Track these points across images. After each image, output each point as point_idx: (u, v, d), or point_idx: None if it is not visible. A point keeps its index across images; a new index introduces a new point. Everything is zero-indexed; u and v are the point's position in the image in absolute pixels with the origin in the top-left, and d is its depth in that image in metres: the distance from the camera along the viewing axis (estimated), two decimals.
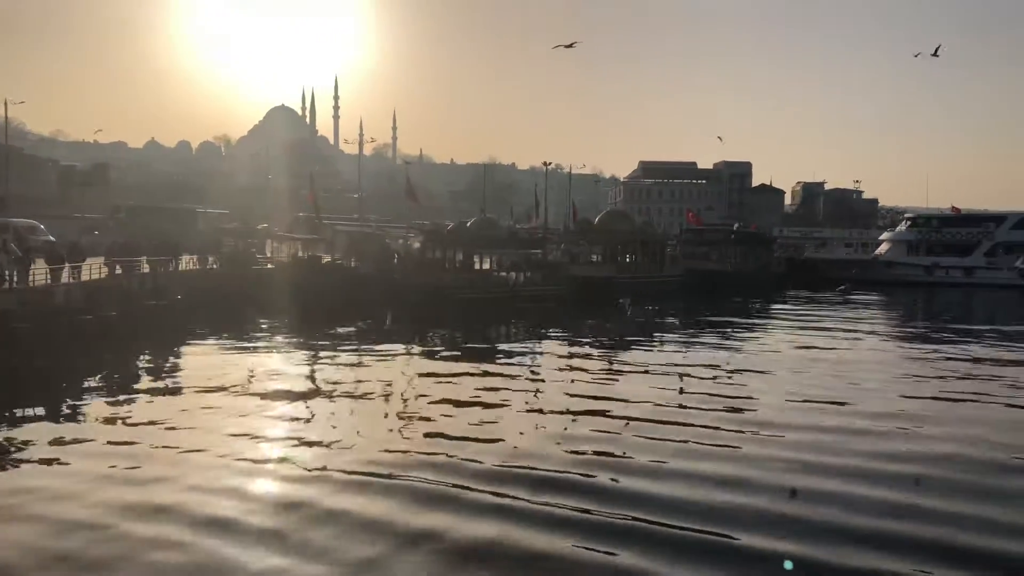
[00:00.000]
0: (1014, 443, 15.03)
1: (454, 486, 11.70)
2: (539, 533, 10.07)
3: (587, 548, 9.63)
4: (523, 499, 11.18)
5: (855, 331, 34.41)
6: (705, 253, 61.65)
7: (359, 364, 23.10)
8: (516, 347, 29.20)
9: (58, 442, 14.14)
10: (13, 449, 13.73)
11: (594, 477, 12.33)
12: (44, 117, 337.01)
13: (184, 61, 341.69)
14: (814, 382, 21.22)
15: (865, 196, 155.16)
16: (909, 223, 73.32)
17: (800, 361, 25.27)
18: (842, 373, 22.77)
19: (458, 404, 17.59)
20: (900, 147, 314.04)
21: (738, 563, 9.52)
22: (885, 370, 23.95)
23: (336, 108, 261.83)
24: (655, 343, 30.55)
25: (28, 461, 13.16)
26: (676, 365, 23.97)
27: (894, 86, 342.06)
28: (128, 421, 15.86)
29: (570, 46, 33.13)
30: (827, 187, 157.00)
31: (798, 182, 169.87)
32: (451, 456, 13.26)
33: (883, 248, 73.67)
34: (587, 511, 10.82)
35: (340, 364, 22.91)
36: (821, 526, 10.51)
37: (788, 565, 9.83)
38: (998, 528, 10.59)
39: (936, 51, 46.03)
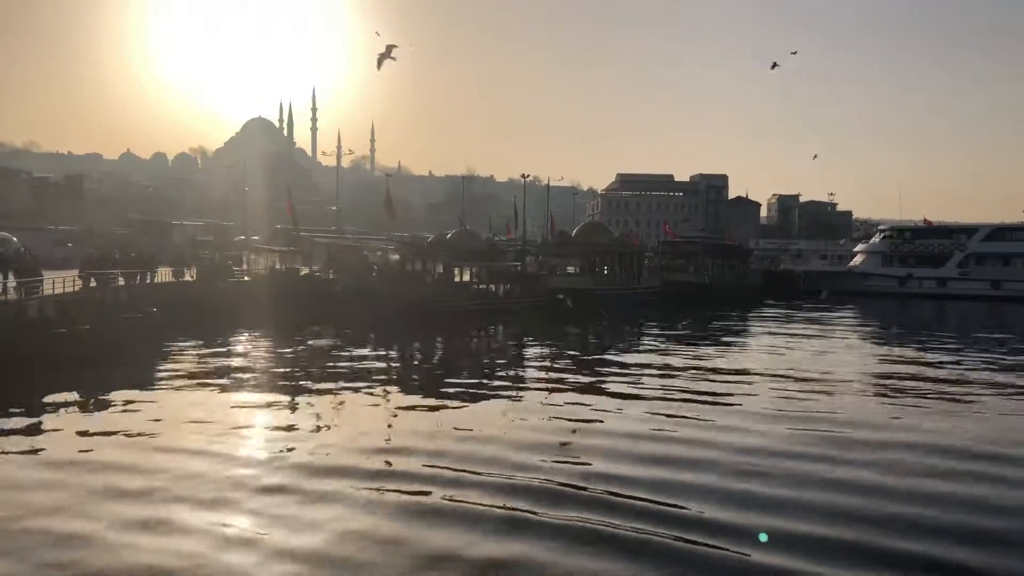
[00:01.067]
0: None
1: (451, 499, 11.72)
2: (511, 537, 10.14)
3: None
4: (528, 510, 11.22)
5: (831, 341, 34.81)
6: (682, 265, 62.08)
7: (336, 377, 22.89)
8: (496, 359, 29.11)
9: (33, 453, 13.96)
10: None
11: (586, 489, 12.29)
12: (17, 128, 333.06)
13: (160, 72, 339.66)
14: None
15: (839, 208, 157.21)
16: (883, 235, 74.32)
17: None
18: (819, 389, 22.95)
19: (430, 413, 17.51)
20: (873, 160, 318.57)
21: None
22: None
23: (314, 120, 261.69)
24: (633, 355, 30.62)
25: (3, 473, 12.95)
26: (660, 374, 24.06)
27: (867, 99, 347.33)
28: (102, 433, 15.58)
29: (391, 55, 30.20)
30: (802, 199, 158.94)
31: (773, 195, 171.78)
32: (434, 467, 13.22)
33: (858, 260, 74.61)
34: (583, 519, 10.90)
35: (315, 378, 22.69)
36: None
37: (763, 537, 10.11)
38: None
39: (773, 66, 44.96)
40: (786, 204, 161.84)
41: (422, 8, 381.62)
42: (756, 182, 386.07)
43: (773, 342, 34.06)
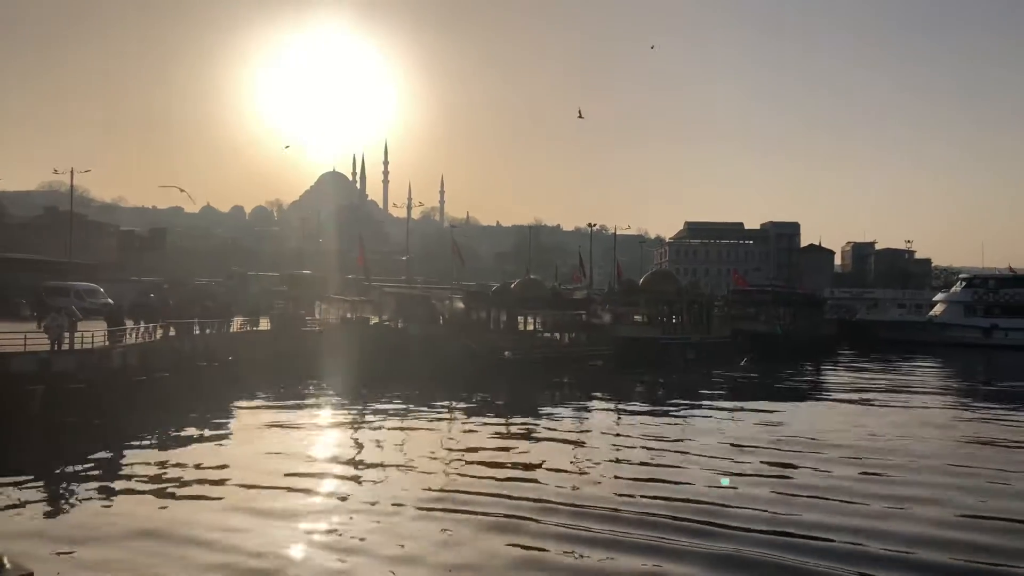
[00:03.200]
0: None
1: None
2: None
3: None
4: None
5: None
6: (753, 314, 60.86)
7: (403, 425, 23.11)
8: (560, 410, 28.93)
9: (110, 492, 14.51)
10: (71, 502, 14.07)
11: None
12: (107, 184, 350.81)
13: (238, 127, 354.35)
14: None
15: (918, 256, 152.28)
16: (965, 283, 71.64)
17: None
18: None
19: (499, 465, 17.48)
20: (953, 206, 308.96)
21: None
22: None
23: (385, 173, 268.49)
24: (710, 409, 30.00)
25: (86, 514, 13.44)
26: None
27: (944, 143, 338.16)
28: (179, 479, 16.04)
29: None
30: (878, 247, 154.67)
31: (848, 242, 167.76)
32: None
33: (938, 309, 71.95)
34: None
35: (384, 424, 23.01)
36: None
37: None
38: None
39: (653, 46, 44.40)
40: (861, 252, 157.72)
41: (487, 66, 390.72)
42: (829, 229, 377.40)
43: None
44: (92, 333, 24.18)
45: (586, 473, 17.68)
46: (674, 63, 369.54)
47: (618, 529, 13.01)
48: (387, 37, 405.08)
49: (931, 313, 72.75)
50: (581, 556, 11.91)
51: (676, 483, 16.14)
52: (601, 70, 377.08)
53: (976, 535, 13.17)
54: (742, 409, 28.12)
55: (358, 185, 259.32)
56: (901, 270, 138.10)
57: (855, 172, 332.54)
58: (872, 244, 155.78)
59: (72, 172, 65.27)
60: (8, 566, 2.20)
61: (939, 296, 75.85)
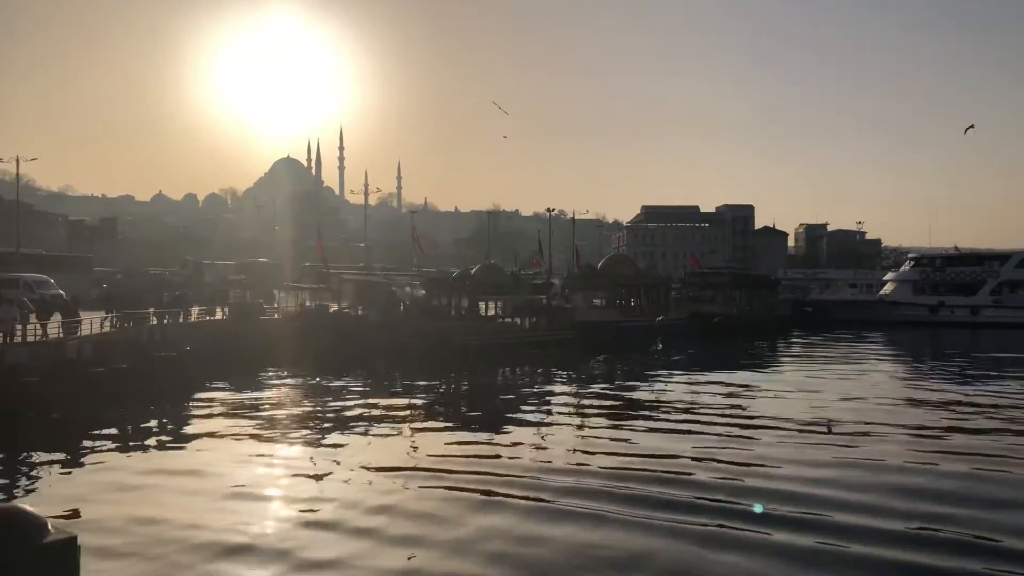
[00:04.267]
0: None
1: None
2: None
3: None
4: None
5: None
6: (710, 296, 61.82)
7: (365, 413, 23.15)
8: (524, 392, 29.19)
9: (75, 490, 14.35)
10: (32, 498, 13.87)
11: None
12: (54, 172, 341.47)
13: (190, 115, 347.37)
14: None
15: (868, 237, 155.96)
16: (913, 263, 73.54)
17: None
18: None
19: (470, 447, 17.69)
20: (902, 188, 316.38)
21: None
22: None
23: (341, 159, 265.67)
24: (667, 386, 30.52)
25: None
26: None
27: (894, 126, 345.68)
28: (141, 469, 15.94)
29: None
30: (830, 229, 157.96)
31: (801, 224, 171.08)
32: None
33: (888, 288, 73.79)
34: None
35: (346, 413, 23.00)
36: None
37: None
38: None
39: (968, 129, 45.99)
40: (814, 233, 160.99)
41: (446, 47, 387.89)
42: (783, 212, 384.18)
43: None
44: (45, 325, 23.77)
45: (546, 449, 18.03)
46: (631, 51, 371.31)
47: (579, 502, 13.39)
48: (340, 21, 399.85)
49: (881, 292, 74.59)
50: (540, 526, 12.31)
51: (639, 455, 16.51)
52: (557, 56, 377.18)
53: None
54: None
55: (313, 171, 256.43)
56: (853, 251, 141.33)
57: (808, 156, 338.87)
58: (824, 226, 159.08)
59: (17, 160, 63.55)
60: (52, 530, 2.30)
61: (889, 276, 77.78)
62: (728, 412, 23.45)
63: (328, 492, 14.33)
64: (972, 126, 58.80)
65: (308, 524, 12.43)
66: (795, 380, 31.72)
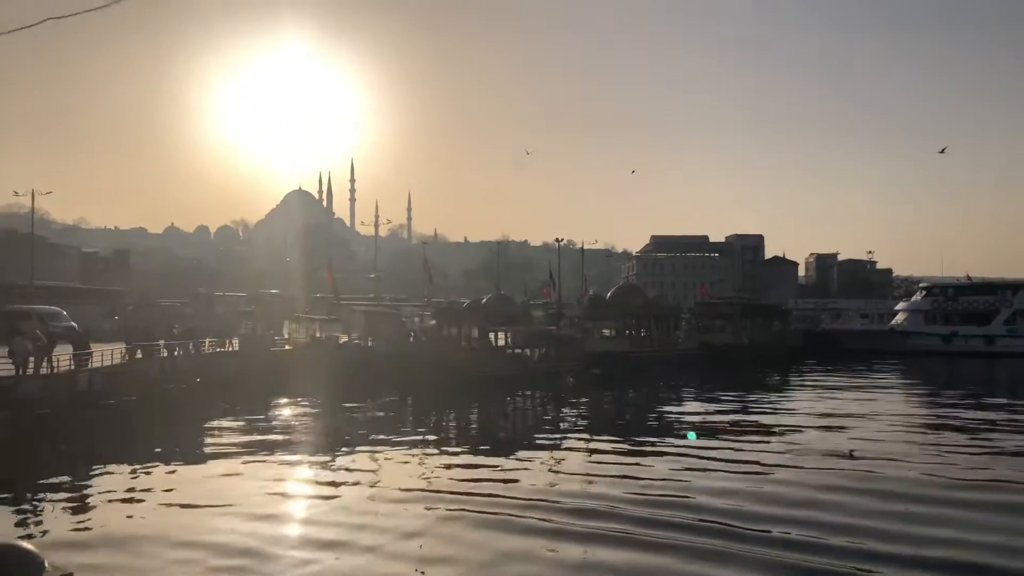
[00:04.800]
0: None
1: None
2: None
3: None
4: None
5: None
6: (720, 326, 61.61)
7: (376, 445, 23.10)
8: (533, 421, 29.10)
9: (81, 522, 14.37)
10: (38, 531, 13.91)
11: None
12: (68, 206, 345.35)
13: (203, 147, 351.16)
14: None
15: (879, 266, 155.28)
16: (925, 292, 73.14)
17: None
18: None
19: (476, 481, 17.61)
20: (912, 217, 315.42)
21: None
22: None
23: (352, 191, 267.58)
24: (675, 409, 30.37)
25: (54, 539, 13.29)
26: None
27: (904, 156, 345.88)
28: (151, 504, 15.94)
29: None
30: (840, 258, 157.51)
31: (811, 254, 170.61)
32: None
33: (900, 318, 73.30)
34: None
35: (356, 442, 22.98)
36: None
37: (691, 436, 12.42)
38: None
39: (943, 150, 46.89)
40: (824, 263, 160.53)
41: (455, 80, 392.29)
42: (793, 242, 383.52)
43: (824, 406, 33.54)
44: (57, 357, 23.93)
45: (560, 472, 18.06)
46: (639, 79, 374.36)
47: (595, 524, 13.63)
48: (351, 56, 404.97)
49: (893, 322, 74.12)
50: (556, 550, 12.54)
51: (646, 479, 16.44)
52: (566, 86, 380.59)
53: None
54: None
55: (325, 203, 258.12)
56: (863, 280, 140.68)
57: (817, 186, 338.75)
58: (835, 255, 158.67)
59: (33, 194, 64.37)
60: (49, 568, 2.33)
61: (900, 305, 77.32)
62: (745, 439, 23.27)
63: (339, 518, 14.36)
64: (944, 149, 60.34)
65: (319, 548, 12.50)
66: (810, 408, 31.50)
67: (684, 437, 23.83)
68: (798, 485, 17.08)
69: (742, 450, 21.58)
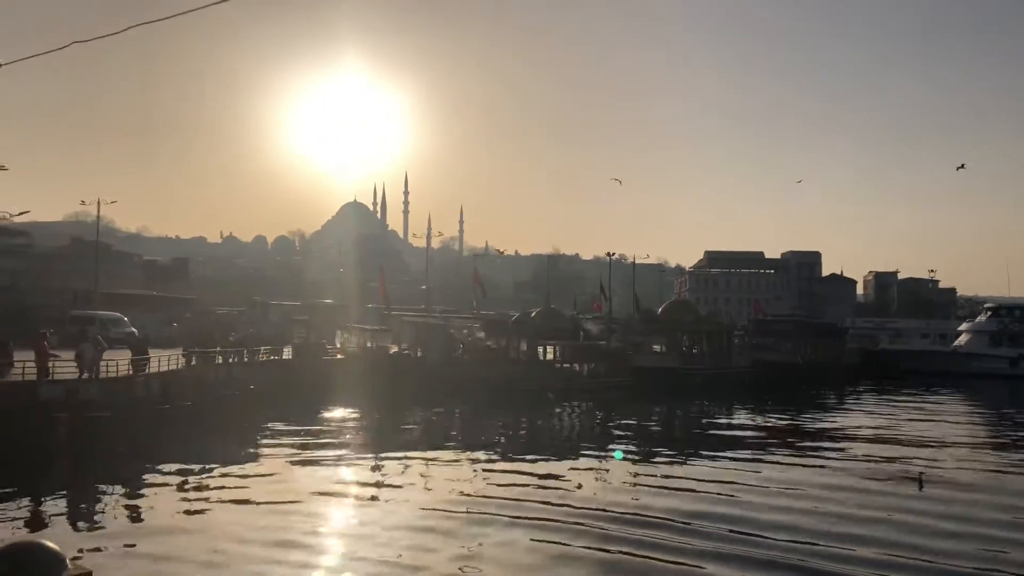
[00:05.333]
0: None
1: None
2: None
3: None
4: None
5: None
6: (773, 344, 60.46)
7: (424, 455, 23.21)
8: (580, 434, 28.92)
9: (140, 519, 14.77)
10: (95, 530, 14.34)
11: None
12: (131, 215, 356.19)
13: (262, 160, 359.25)
14: None
15: (942, 285, 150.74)
16: (990, 313, 70.85)
17: None
18: None
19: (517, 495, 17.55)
20: (978, 234, 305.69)
21: None
22: None
23: (406, 203, 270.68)
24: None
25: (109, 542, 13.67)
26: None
27: (969, 170, 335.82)
28: (204, 506, 16.27)
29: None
30: (901, 276, 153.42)
31: (870, 272, 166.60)
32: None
33: (963, 339, 71.07)
34: None
35: (404, 450, 23.14)
36: None
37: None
38: None
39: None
40: (883, 281, 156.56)
41: (508, 93, 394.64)
42: (851, 259, 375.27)
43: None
44: (116, 362, 24.60)
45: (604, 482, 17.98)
46: (695, 93, 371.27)
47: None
48: (406, 72, 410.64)
49: (955, 343, 71.88)
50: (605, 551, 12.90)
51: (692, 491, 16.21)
52: (621, 99, 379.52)
53: None
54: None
55: (379, 215, 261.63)
56: (925, 300, 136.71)
57: (877, 201, 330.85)
58: (895, 273, 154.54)
59: (99, 203, 66.57)
60: (70, 567, 2.38)
61: (963, 326, 74.98)
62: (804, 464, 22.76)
63: (391, 523, 14.60)
64: (963, 166, 59.64)
65: (369, 549, 12.78)
66: (864, 429, 30.66)
67: (721, 454, 23.47)
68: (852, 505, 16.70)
69: (801, 466, 21.07)
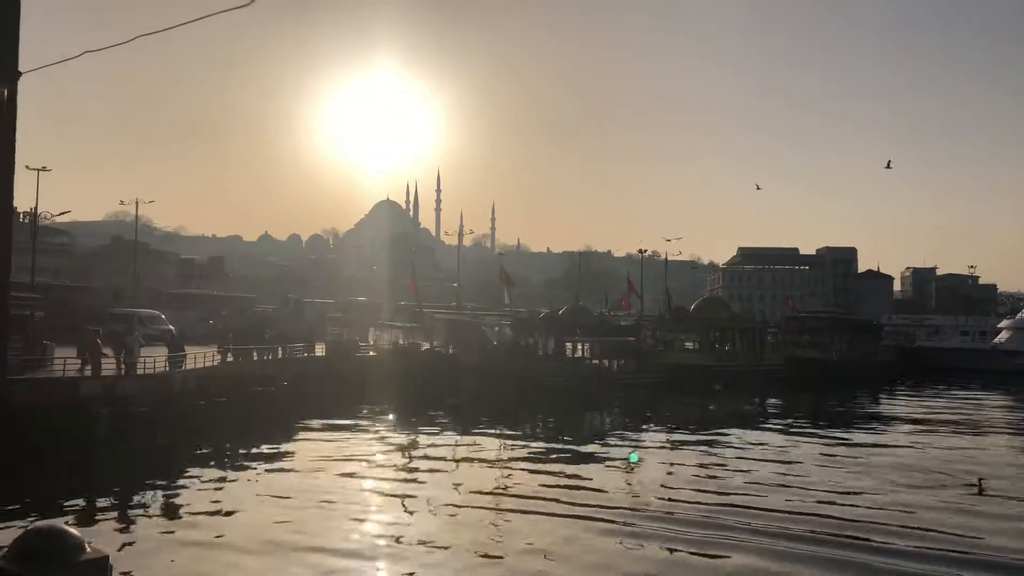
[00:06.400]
0: None
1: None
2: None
3: None
4: None
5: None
6: (808, 341, 59.80)
7: (455, 453, 23.43)
8: (609, 431, 28.96)
9: (176, 510, 15.26)
10: (136, 519, 14.83)
11: None
12: (169, 213, 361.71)
13: (297, 159, 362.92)
14: None
15: (982, 282, 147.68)
16: None
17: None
18: None
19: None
20: (1019, 229, 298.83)
21: None
22: None
23: (438, 201, 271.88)
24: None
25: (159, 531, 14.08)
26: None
27: (1009, 163, 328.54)
28: (239, 500, 16.63)
29: None
30: (939, 272, 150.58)
31: (907, 268, 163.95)
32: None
33: (1003, 336, 69.63)
34: None
35: (437, 447, 23.43)
36: None
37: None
38: None
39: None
40: (921, 277, 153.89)
41: (538, 93, 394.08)
42: (888, 255, 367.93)
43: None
44: (154, 358, 25.19)
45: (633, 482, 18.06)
46: (728, 90, 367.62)
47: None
48: (439, 71, 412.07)
49: (995, 340, 70.45)
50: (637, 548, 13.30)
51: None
52: (653, 95, 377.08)
53: None
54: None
55: (411, 214, 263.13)
56: (964, 296, 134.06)
57: (915, 196, 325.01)
58: (933, 269, 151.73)
59: (137, 203, 67.93)
60: (88, 550, 2.54)
61: (1004, 323, 73.42)
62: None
63: (421, 522, 14.85)
64: (889, 163, 59.86)
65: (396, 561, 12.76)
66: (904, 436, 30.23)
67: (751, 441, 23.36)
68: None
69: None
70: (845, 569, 12.28)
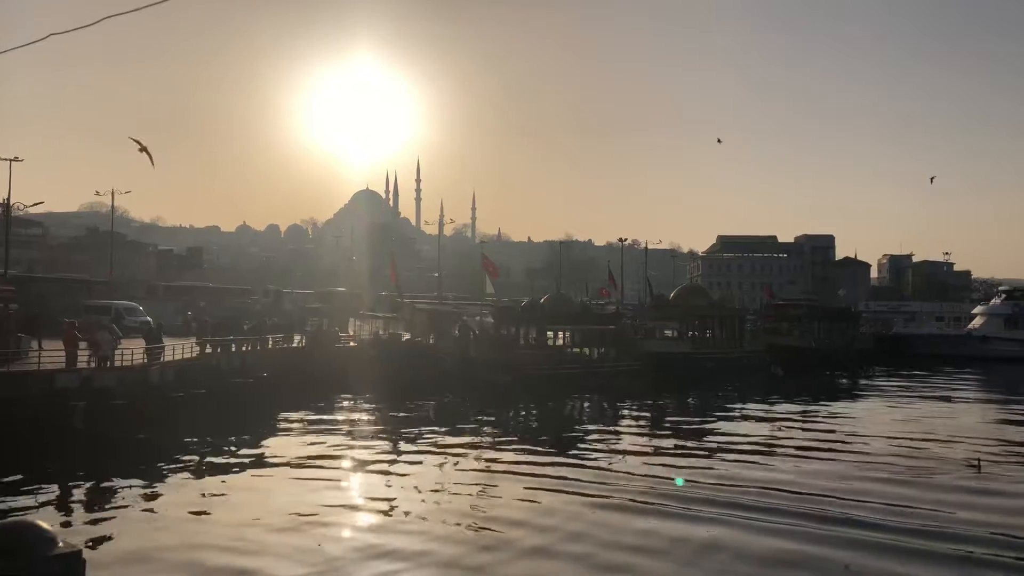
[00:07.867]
0: None
1: None
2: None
3: None
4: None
5: None
6: (787, 329, 60.29)
7: (435, 442, 23.42)
8: (590, 420, 29.09)
9: (154, 504, 15.09)
10: (114, 512, 14.70)
11: None
12: (146, 204, 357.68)
13: (274, 149, 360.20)
14: None
15: (956, 268, 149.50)
16: (1005, 296, 70.28)
17: None
18: None
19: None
20: (993, 217, 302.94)
21: None
22: None
23: (418, 191, 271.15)
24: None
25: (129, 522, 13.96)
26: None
27: (983, 154, 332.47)
28: (218, 493, 16.53)
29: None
30: (915, 259, 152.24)
31: (884, 255, 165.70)
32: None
33: (977, 322, 70.53)
34: None
35: (418, 438, 23.38)
36: None
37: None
38: None
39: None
40: (898, 264, 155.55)
41: (517, 83, 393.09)
42: (865, 242, 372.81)
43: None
44: (132, 350, 24.90)
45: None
46: (707, 78, 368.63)
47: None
48: (419, 59, 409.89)
49: (970, 326, 71.36)
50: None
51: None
52: (631, 87, 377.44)
53: None
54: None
55: (391, 203, 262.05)
56: (939, 283, 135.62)
57: (891, 184, 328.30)
58: (909, 256, 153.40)
59: (113, 193, 67.09)
60: (60, 544, 2.52)
61: (978, 309, 74.34)
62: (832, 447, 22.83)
63: (400, 517, 14.68)
64: (719, 140, 60.67)
65: (374, 555, 12.55)
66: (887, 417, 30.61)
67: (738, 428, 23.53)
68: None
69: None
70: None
